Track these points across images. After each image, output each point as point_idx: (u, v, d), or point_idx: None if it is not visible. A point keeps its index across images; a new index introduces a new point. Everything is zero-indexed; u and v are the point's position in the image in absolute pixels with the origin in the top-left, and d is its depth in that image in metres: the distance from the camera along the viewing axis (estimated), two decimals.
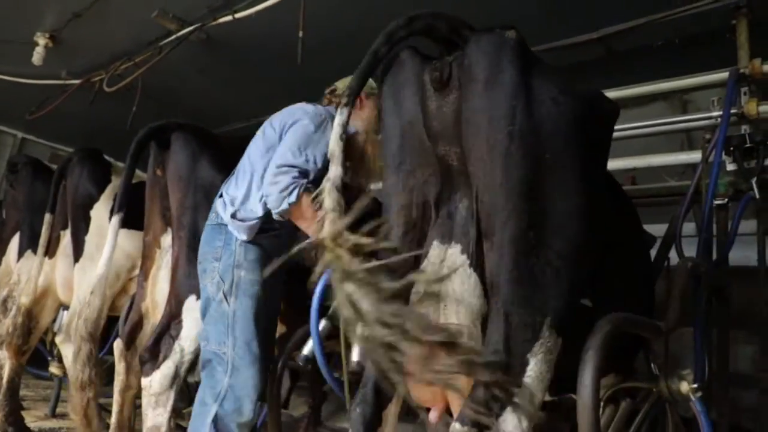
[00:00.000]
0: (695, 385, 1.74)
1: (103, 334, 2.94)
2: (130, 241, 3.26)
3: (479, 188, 1.52)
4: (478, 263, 1.54)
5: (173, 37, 4.20)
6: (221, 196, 2.50)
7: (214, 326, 2.36)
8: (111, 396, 2.97)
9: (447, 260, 1.59)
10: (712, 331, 2.77)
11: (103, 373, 2.80)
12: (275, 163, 2.29)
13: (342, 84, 2.52)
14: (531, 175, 1.46)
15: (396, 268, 1.52)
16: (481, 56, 1.52)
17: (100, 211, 3.48)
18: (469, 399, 1.38)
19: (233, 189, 2.46)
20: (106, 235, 2.68)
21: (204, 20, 4.02)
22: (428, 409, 1.65)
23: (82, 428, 2.70)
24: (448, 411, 1.61)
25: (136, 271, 3.41)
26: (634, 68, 3.91)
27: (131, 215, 2.74)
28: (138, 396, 2.89)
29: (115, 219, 2.69)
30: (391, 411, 1.73)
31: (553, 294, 1.46)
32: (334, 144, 1.42)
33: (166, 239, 2.82)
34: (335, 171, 1.39)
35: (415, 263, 1.62)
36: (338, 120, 1.43)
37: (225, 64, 4.71)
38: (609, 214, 1.83)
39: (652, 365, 1.89)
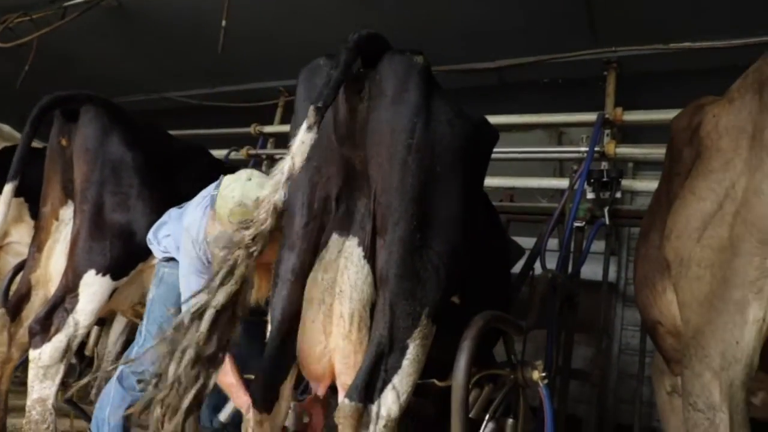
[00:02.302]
0: (543, 374, 2.12)
1: None
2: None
3: (377, 190, 1.68)
4: (371, 256, 1.73)
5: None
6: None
7: None
8: None
9: (344, 251, 1.77)
10: (561, 333, 3.29)
11: None
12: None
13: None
14: (422, 184, 1.65)
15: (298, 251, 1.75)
16: (391, 74, 1.68)
17: None
18: (356, 376, 1.59)
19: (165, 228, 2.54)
20: None
21: None
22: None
23: None
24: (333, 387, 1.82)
25: (7, 240, 3.38)
26: (522, 99, 4.42)
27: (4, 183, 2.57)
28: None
29: (9, 186, 2.57)
30: (286, 387, 1.89)
31: (432, 288, 1.66)
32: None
33: (66, 212, 2.74)
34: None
35: (315, 251, 1.79)
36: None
37: (134, 34, 4.55)
38: (480, 224, 2.12)
39: (512, 357, 2.26)
